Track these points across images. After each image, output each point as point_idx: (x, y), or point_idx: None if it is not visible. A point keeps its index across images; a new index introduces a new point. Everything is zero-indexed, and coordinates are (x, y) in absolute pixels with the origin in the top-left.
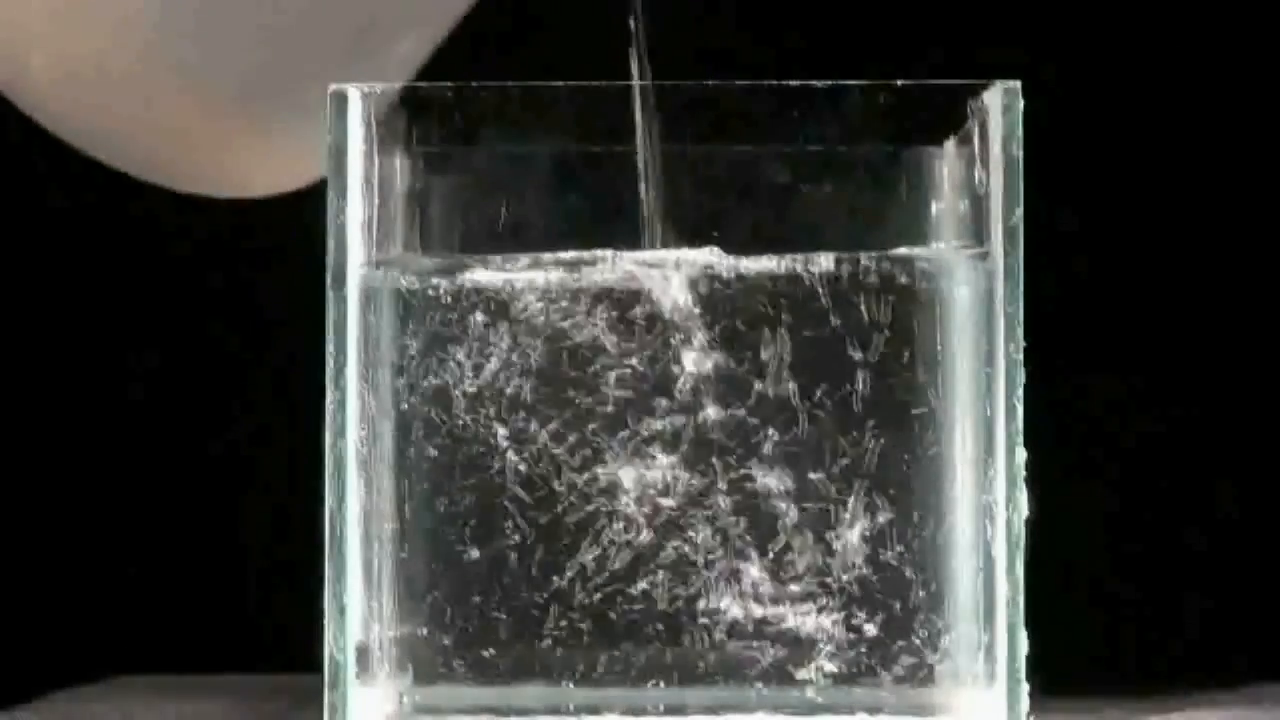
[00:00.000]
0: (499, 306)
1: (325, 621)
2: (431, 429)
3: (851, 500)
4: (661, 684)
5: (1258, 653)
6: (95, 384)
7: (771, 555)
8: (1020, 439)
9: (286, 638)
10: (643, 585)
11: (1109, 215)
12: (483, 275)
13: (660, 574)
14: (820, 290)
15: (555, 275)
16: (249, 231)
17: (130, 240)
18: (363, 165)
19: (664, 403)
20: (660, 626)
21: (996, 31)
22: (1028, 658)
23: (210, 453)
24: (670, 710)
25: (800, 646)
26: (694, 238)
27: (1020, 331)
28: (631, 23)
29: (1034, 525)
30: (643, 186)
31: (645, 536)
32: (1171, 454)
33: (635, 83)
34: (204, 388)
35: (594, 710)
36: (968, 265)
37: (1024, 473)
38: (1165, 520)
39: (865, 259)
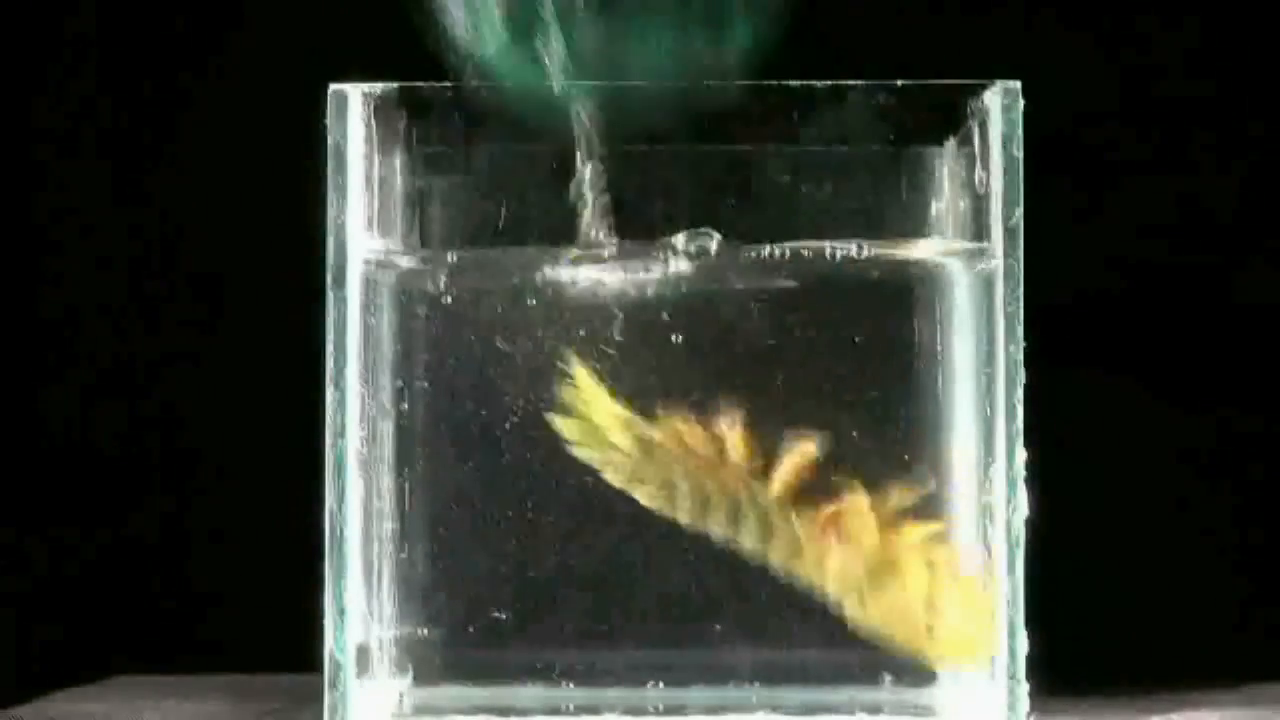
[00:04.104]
0: (499, 304)
1: (325, 621)
2: (431, 428)
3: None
4: (661, 684)
5: (1258, 653)
6: (93, 384)
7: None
8: (1020, 439)
9: (286, 638)
10: (643, 586)
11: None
12: (482, 272)
13: (661, 575)
14: (820, 289)
15: (555, 268)
16: (249, 231)
17: (138, 237)
18: (363, 165)
19: (665, 399)
20: (660, 627)
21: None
22: (1028, 658)
23: (210, 452)
24: (670, 710)
25: (801, 646)
26: (696, 236)
27: (1020, 331)
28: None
29: (1034, 525)
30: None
31: (647, 537)
32: (1171, 454)
33: (636, 83)
34: (202, 387)
35: (594, 710)
36: (967, 265)
37: (1024, 473)
38: (1165, 520)
39: (865, 258)
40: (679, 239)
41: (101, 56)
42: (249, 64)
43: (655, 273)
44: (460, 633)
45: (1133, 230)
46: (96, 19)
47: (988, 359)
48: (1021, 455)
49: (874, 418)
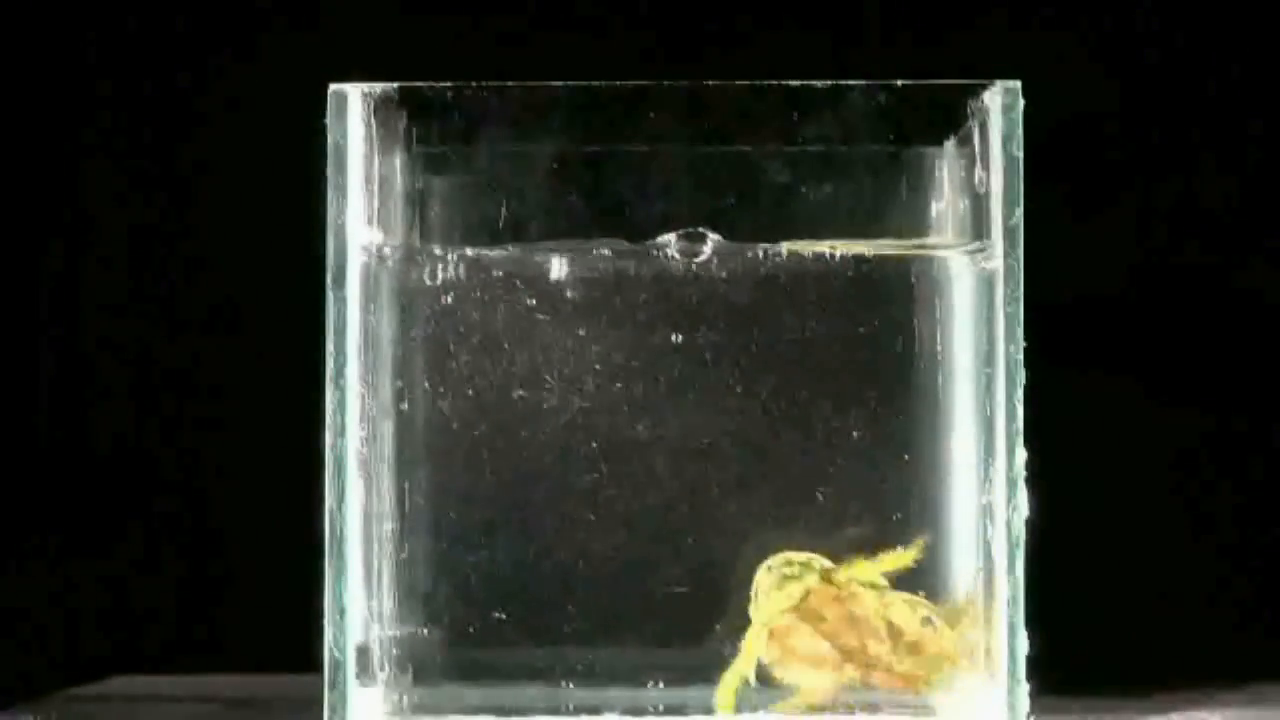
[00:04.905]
0: (499, 303)
1: (325, 621)
2: (431, 428)
3: (850, 499)
4: (661, 684)
5: (1258, 653)
6: (92, 385)
7: (768, 553)
8: (1020, 439)
9: (286, 638)
10: (643, 585)
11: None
12: (482, 272)
13: (661, 574)
14: (819, 288)
15: (555, 268)
16: (249, 232)
17: (138, 237)
18: (363, 165)
19: (664, 399)
20: (660, 627)
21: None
22: (1028, 658)
23: (210, 452)
24: (670, 710)
25: None
26: (695, 235)
27: (1020, 331)
28: None
29: (1034, 525)
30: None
31: (647, 536)
32: (1171, 454)
33: (635, 83)
34: (202, 387)
35: (594, 710)
36: (968, 265)
37: (1024, 473)
38: (1165, 520)
39: (865, 258)
40: (671, 239)
41: (101, 57)
42: (249, 64)
43: (653, 273)
44: (460, 633)
45: (1133, 230)
46: (97, 19)
47: (988, 359)
48: (1021, 455)
49: (874, 418)
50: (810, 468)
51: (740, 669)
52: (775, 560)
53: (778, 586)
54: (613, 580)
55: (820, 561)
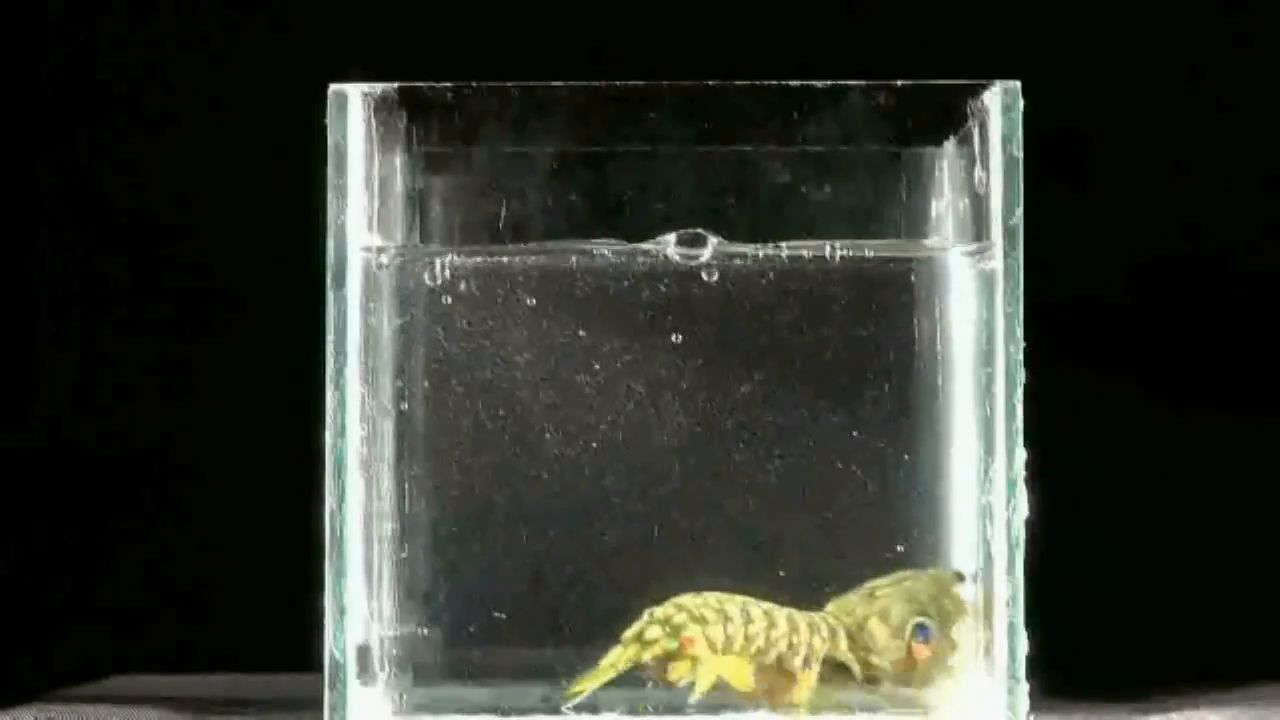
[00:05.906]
0: (499, 303)
1: (325, 621)
2: (431, 428)
3: (849, 499)
4: (661, 684)
5: (1258, 652)
6: (93, 384)
7: (768, 554)
8: (1020, 439)
9: (286, 638)
10: (643, 585)
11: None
12: (483, 272)
13: (661, 574)
14: (819, 288)
15: (553, 267)
16: (249, 232)
17: (131, 235)
18: (363, 165)
19: (664, 399)
20: None
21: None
22: (1028, 658)
23: (210, 452)
24: (670, 710)
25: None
26: (694, 235)
27: (1020, 331)
28: None
29: (1034, 525)
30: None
31: (647, 536)
32: (1171, 454)
33: (635, 83)
34: (202, 387)
35: (594, 710)
36: (967, 265)
37: (1024, 473)
38: (1166, 520)
39: (865, 258)
40: (671, 239)
41: (100, 57)
42: (249, 64)
43: (653, 273)
44: (460, 633)
45: (1132, 230)
46: (95, 17)
47: (988, 359)
48: (1021, 455)
49: (874, 417)
50: (809, 467)
51: (593, 680)
52: (663, 609)
53: (636, 636)
54: (613, 580)
55: (702, 627)
